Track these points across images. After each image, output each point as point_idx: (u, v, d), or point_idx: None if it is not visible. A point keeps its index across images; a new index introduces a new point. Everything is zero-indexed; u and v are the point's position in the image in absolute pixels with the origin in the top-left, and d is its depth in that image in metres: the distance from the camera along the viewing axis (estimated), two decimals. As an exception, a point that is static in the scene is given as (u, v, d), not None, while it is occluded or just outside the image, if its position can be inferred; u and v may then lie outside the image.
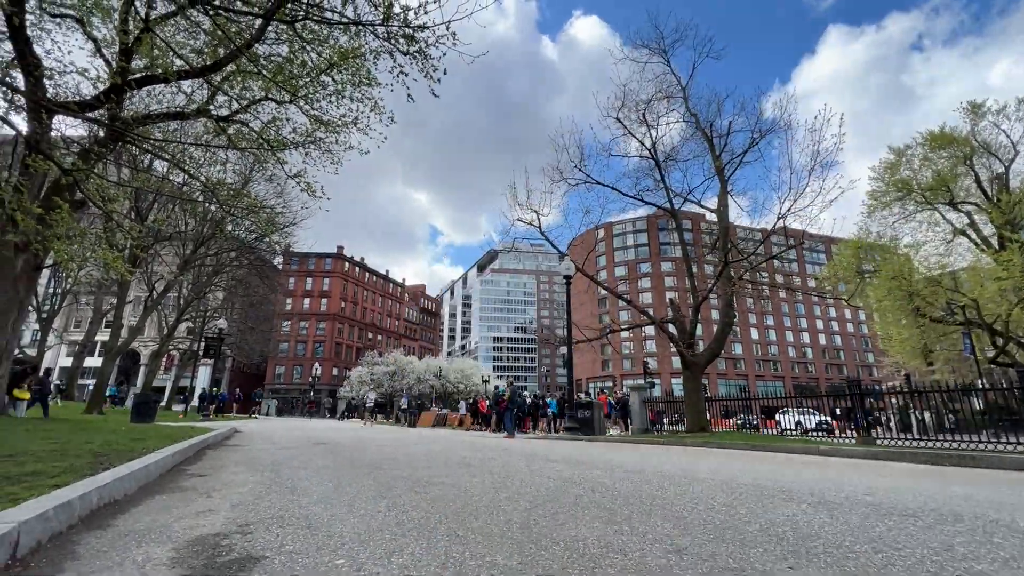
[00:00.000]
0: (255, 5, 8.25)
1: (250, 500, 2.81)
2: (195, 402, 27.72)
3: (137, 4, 8.48)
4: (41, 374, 12.64)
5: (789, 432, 12.79)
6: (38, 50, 8.48)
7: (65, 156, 9.43)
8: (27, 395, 10.58)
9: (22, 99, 8.02)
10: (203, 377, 49.56)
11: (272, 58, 9.34)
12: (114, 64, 8.54)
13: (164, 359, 33.03)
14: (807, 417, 14.78)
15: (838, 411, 13.07)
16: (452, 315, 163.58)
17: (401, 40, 8.69)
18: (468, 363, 57.63)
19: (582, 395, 19.61)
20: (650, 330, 57.89)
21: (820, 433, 12.48)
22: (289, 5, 8.10)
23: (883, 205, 22.75)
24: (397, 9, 8.23)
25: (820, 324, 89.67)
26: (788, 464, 5.18)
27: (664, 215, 16.30)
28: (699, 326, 14.49)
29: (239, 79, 9.59)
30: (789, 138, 12.89)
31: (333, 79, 9.38)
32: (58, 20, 8.83)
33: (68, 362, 41.19)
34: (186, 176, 11.45)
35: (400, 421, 24.35)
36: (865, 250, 23.39)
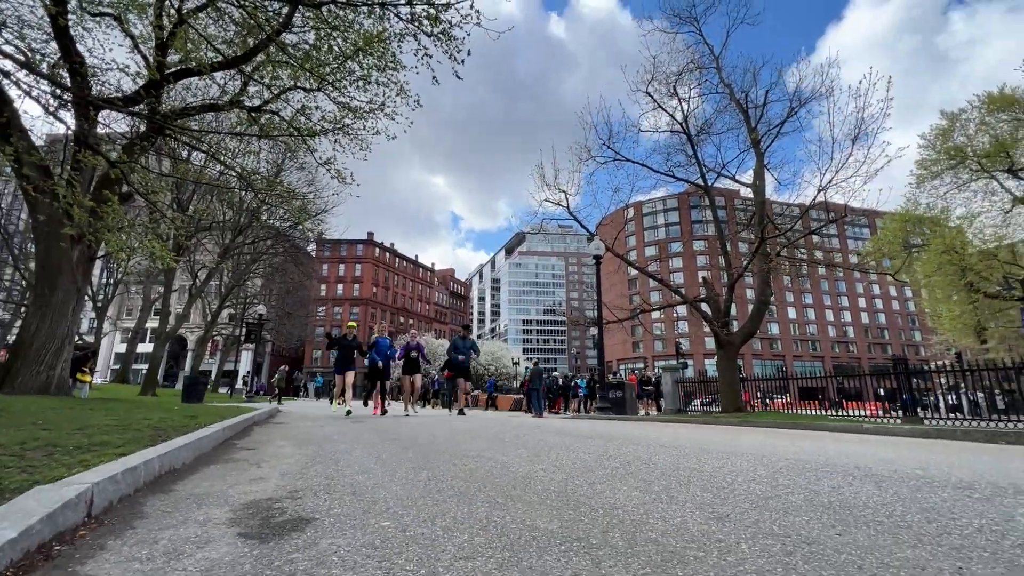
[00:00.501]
0: (282, -9, 8.33)
1: (297, 470, 2.94)
2: (239, 384, 29.01)
3: (170, -2, 8.68)
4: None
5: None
6: (81, 49, 8.84)
7: (111, 151, 9.87)
8: (89, 378, 11.32)
9: (69, 96, 8.40)
10: (245, 361, 51.80)
11: (299, 46, 9.45)
12: (151, 59, 8.82)
13: (209, 344, 34.63)
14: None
15: (882, 392, 12.56)
16: (481, 298, 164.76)
17: (425, 21, 8.64)
18: (498, 345, 58.14)
19: (612, 376, 19.55)
20: (682, 310, 56.84)
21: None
22: (315, -11, 8.15)
23: (933, 175, 21.42)
24: (421, -12, 8.15)
25: (862, 302, 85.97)
26: (831, 441, 5.05)
27: (696, 192, 15.85)
28: (733, 305, 14.13)
29: (269, 68, 9.75)
30: (830, 106, 12.21)
31: (359, 64, 9.41)
32: (97, 19, 9.14)
33: (122, 348, 43.74)
34: (222, 167, 11.81)
35: (427, 403, 24.78)
36: (913, 223, 22.17)
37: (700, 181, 14.62)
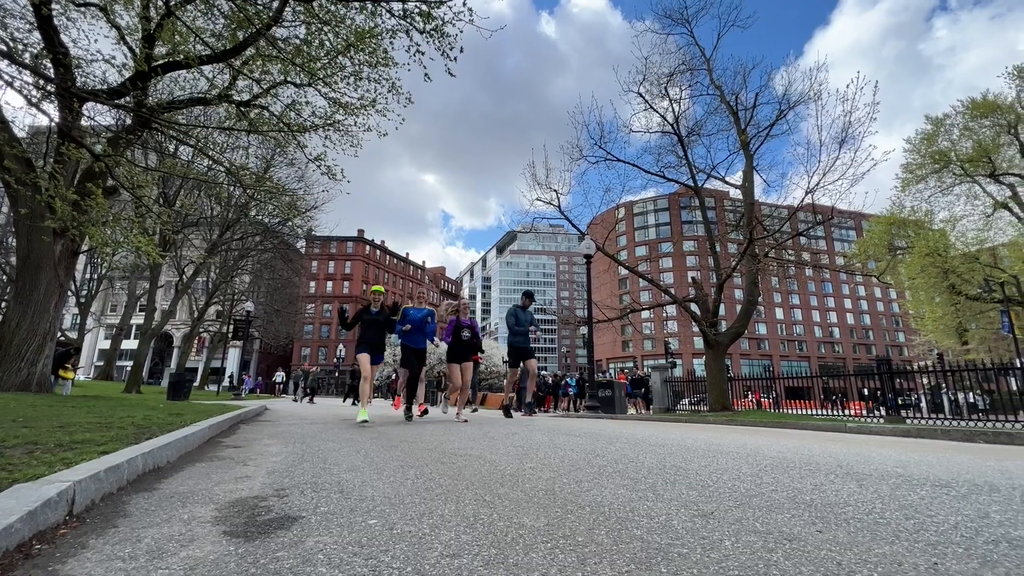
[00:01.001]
0: (272, -15, 8.24)
1: (284, 468, 2.93)
2: (225, 383, 28.69)
3: (158, -11, 8.54)
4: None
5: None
6: (65, 40, 8.66)
7: (95, 144, 9.69)
8: (72, 375, 11.13)
9: (52, 87, 8.24)
10: (233, 359, 51.24)
11: (290, 41, 9.36)
12: (138, 51, 8.68)
13: (196, 341, 34.21)
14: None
15: (866, 392, 12.77)
16: (472, 296, 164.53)
17: (418, 18, 8.60)
18: (488, 344, 58.08)
19: (601, 375, 19.64)
20: (671, 310, 57.29)
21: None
22: (305, -16, 8.07)
23: (918, 178, 21.79)
24: (413, -16, 8.11)
25: (848, 303, 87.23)
26: (815, 440, 5.13)
27: (687, 192, 15.98)
28: (722, 305, 14.28)
29: (259, 63, 9.64)
30: (819, 109, 12.37)
31: (351, 60, 9.35)
32: (82, 9, 8.97)
33: (106, 344, 43.01)
34: (210, 161, 11.66)
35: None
36: (898, 226, 22.54)
37: (690, 182, 14.73)
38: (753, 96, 13.96)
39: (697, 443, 4.38)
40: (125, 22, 9.12)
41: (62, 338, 27.15)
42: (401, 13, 8.60)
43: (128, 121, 9.85)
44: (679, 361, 59.61)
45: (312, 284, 67.79)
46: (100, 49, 14.95)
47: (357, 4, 8.77)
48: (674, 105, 14.53)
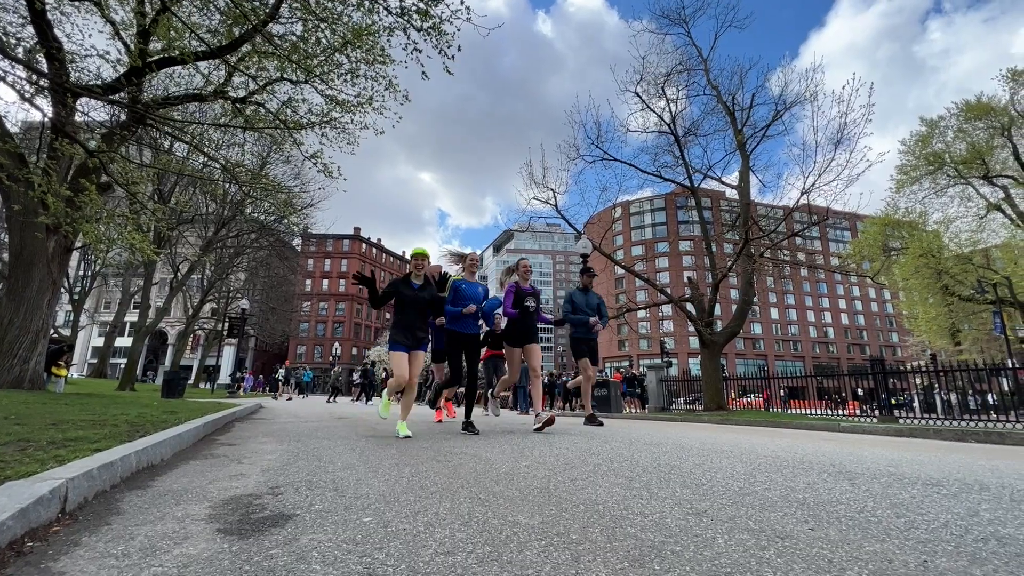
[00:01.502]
0: (269, -19, 8.19)
1: (278, 466, 2.92)
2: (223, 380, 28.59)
3: (153, -16, 8.48)
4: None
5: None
6: (59, 34, 8.59)
7: (89, 140, 9.62)
8: (65, 372, 11.05)
9: (46, 83, 8.17)
10: (228, 356, 51.04)
11: (287, 37, 9.31)
12: (132, 47, 8.61)
13: (190, 339, 34.04)
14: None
15: (860, 391, 12.87)
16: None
17: (415, 15, 8.57)
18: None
19: (598, 374, 19.65)
20: (667, 309, 57.41)
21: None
22: (302, -20, 8.03)
23: (913, 180, 21.93)
24: (411, -18, 8.08)
25: (842, 303, 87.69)
26: (808, 439, 5.16)
27: (683, 192, 16.02)
28: (718, 305, 14.33)
29: (255, 59, 9.59)
30: (814, 110, 12.43)
31: (348, 57, 9.31)
32: (76, 3, 8.89)
33: (100, 342, 42.73)
34: (206, 158, 11.60)
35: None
36: (892, 227, 22.68)
37: (687, 182, 14.77)
38: (750, 96, 14.02)
39: (691, 442, 4.40)
40: (120, 17, 9.04)
41: (55, 335, 26.96)
42: (399, 10, 8.57)
43: (123, 117, 9.78)
44: (675, 360, 59.86)
45: (308, 282, 67.60)
46: (94, 44, 14.86)
47: (354, 1, 8.74)
48: (671, 105, 14.57)
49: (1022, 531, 1.57)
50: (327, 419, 7.30)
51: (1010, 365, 10.19)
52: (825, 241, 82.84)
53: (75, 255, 24.12)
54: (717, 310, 14.44)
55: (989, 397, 9.67)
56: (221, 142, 12.65)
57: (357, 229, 73.02)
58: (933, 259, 20.62)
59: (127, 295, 31.39)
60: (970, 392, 10.48)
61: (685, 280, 16.46)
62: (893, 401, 10.69)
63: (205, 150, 10.47)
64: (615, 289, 75.06)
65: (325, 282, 69.65)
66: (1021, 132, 20.07)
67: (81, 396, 8.36)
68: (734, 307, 15.25)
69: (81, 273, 34.19)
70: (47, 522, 1.59)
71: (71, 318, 30.87)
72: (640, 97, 14.82)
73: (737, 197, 14.49)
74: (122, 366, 22.64)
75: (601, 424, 6.63)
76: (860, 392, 12.60)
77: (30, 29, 8.37)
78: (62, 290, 17.77)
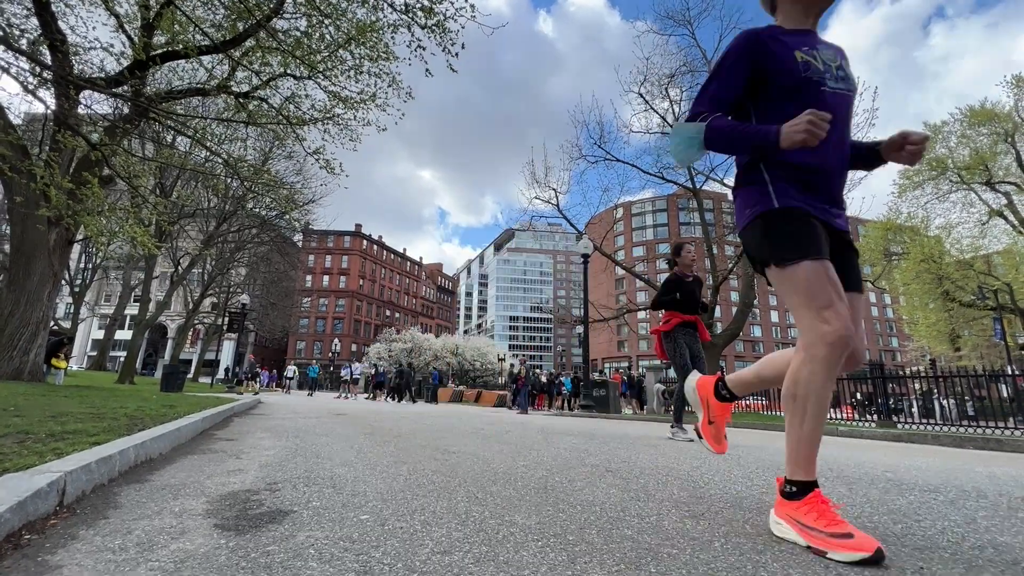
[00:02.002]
0: (273, -24, 8.19)
1: (277, 462, 2.92)
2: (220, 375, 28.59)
3: (158, -23, 8.48)
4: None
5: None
6: (63, 26, 8.58)
7: (92, 132, 9.62)
8: (65, 364, 11.06)
9: (49, 75, 8.16)
10: (228, 351, 51.08)
11: (291, 33, 9.30)
12: (136, 40, 8.60)
13: (190, 333, 34.08)
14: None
15: (858, 396, 12.86)
16: (468, 294, 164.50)
17: (419, 13, 8.57)
18: (484, 341, 58.17)
19: (597, 374, 19.70)
20: (667, 311, 57.34)
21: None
22: (307, -24, 8.02)
23: (915, 185, 21.89)
24: (416, -21, 8.07)
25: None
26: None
27: (685, 194, 16.02)
28: (718, 307, 14.33)
29: (258, 54, 9.58)
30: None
31: (351, 53, 9.31)
32: (81, -5, 8.86)
33: (100, 334, 42.80)
34: (208, 153, 11.60)
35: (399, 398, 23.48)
36: (894, 231, 22.65)
37: (689, 183, 14.77)
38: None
39: (690, 444, 4.40)
40: (124, 10, 9.03)
41: (55, 327, 27.02)
42: (403, 7, 8.57)
43: (125, 110, 9.78)
44: (674, 362, 59.85)
45: (309, 278, 67.63)
46: (98, 37, 14.86)
47: (358, -2, 8.73)
48: (674, 106, 14.57)
49: (1019, 539, 1.57)
50: (326, 415, 7.31)
51: (1010, 371, 10.19)
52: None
53: (76, 248, 24.16)
54: (717, 312, 14.45)
55: (986, 403, 9.67)
56: (224, 137, 12.63)
57: (358, 226, 73.01)
58: (934, 264, 20.61)
59: (128, 288, 31.42)
60: (968, 398, 10.48)
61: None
62: (892, 406, 10.69)
63: (207, 144, 10.47)
64: (615, 290, 75.09)
65: (326, 278, 69.66)
66: (1025, 139, 20.04)
67: (80, 388, 8.37)
68: (734, 309, 15.25)
69: (82, 266, 34.22)
70: (45, 515, 1.59)
71: (71, 310, 30.91)
72: (643, 98, 14.84)
73: (739, 199, 14.48)
74: (122, 359, 22.67)
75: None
76: (859, 396, 12.59)
77: (34, 21, 8.36)
78: (63, 282, 17.80)
